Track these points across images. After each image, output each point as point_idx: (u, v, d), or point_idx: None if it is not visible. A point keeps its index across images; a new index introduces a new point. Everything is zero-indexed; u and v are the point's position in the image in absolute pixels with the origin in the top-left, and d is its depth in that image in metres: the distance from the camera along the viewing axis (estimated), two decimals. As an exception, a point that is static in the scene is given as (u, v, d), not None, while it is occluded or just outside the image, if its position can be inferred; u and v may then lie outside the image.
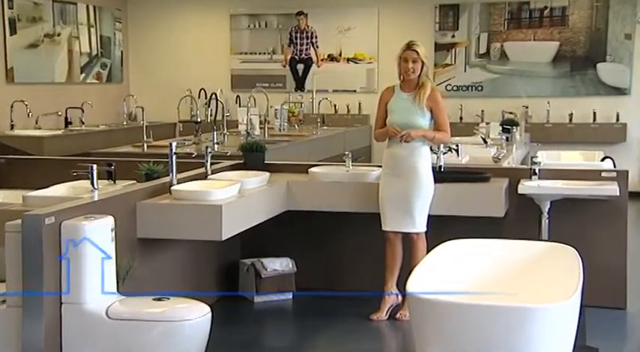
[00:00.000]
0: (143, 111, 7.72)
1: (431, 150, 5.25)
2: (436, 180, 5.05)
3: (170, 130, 9.31)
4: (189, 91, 10.07)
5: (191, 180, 4.87)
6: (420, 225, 5.01)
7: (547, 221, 5.28)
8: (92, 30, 10.29)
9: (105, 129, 9.55)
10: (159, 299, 3.71)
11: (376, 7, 10.67)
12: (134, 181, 4.80)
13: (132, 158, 5.84)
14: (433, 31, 10.50)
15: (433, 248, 4.11)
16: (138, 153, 6.61)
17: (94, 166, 4.41)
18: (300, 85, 11.00)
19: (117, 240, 3.87)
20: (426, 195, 4.98)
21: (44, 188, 4.52)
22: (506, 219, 5.32)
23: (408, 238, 5.06)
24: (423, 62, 4.93)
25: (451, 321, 3.17)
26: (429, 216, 5.04)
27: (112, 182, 4.74)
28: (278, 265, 5.50)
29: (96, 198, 4.13)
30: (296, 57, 11.01)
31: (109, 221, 3.81)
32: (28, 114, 8.64)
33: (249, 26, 11.10)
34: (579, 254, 3.90)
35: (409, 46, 4.93)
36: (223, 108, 7.81)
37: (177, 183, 4.67)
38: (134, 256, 4.22)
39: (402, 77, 5.01)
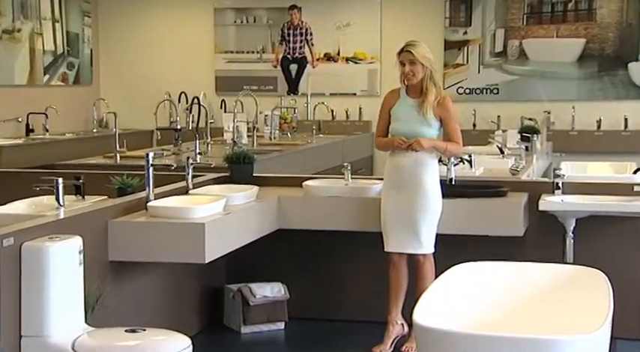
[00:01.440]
0: (116, 117, 7.73)
1: (440, 161, 5.26)
2: (446, 195, 5.07)
3: (146, 139, 9.29)
4: (168, 95, 10.06)
5: (170, 196, 4.88)
6: (426, 246, 5.02)
7: (572, 241, 5.29)
8: (57, 25, 10.31)
9: (72, 137, 9.54)
10: (133, 331, 3.70)
11: (378, 0, 10.72)
12: (105, 197, 4.79)
13: (103, 170, 5.83)
14: (443, 27, 10.54)
15: (442, 271, 4.11)
16: (110, 165, 6.62)
17: (60, 180, 4.40)
18: (293, 88, 11.02)
19: (85, 264, 3.87)
20: (433, 211, 4.99)
21: (2, 205, 4.52)
22: (525, 239, 5.33)
23: (413, 260, 5.07)
24: (422, 64, 4.94)
25: (464, 355, 3.16)
26: (438, 236, 5.05)
27: (81, 198, 4.74)
28: (268, 291, 5.49)
29: (62, 216, 4.13)
30: (288, 56, 11.04)
31: (76, 242, 3.81)
32: (-16, 121, 8.65)
33: (235, 22, 11.13)
34: (609, 279, 3.90)
35: (403, 47, 4.96)
36: (206, 113, 7.81)
37: (155, 199, 4.67)
38: (105, 282, 4.22)
39: (404, 81, 5.04)
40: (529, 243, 5.38)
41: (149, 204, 4.57)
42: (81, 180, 4.77)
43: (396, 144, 4.96)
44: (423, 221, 4.97)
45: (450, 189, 5.24)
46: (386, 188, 5.08)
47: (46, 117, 9.55)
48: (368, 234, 5.26)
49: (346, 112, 10.84)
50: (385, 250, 5.07)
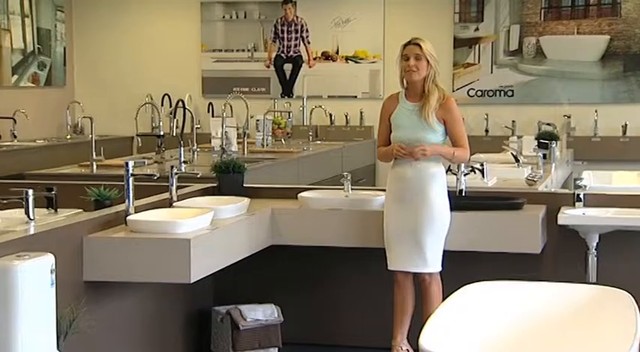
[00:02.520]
0: (92, 122, 7.73)
1: (449, 170, 5.27)
2: (455, 207, 5.08)
3: (126, 146, 9.33)
4: (150, 98, 10.10)
5: (152, 209, 4.87)
6: (433, 264, 5.02)
7: (595, 258, 5.29)
8: (27, 21, 10.32)
9: (44, 144, 9.55)
10: (110, 358, 3.70)
11: (382, -7, 10.76)
12: (80, 210, 4.79)
13: (78, 181, 5.83)
14: (452, 22, 10.57)
15: (451, 292, 4.11)
16: (85, 175, 6.62)
17: (30, 191, 4.40)
18: (287, 90, 11.04)
19: (58, 284, 3.86)
20: (439, 225, 5.00)
21: (-33, 219, 4.52)
22: (543, 256, 5.34)
23: (419, 280, 5.08)
24: (428, 61, 4.97)
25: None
26: (446, 253, 5.05)
27: (53, 211, 4.74)
28: (260, 314, 5.49)
29: (32, 232, 4.12)
30: (282, 55, 11.06)
31: (47, 260, 3.80)
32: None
33: (224, 17, 11.16)
34: (635, 300, 3.90)
35: (411, 41, 5.01)
36: (192, 118, 7.83)
37: (135, 212, 4.67)
38: (80, 304, 4.21)
39: (404, 82, 5.06)
40: (547, 260, 5.38)
41: (129, 218, 4.57)
42: (53, 192, 4.77)
43: (395, 151, 4.98)
44: (428, 236, 4.98)
45: (460, 202, 5.26)
46: (389, 201, 5.10)
47: (14, 122, 9.55)
48: (370, 250, 5.26)
49: (346, 117, 10.86)
50: (388, 268, 5.08)
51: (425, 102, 4.99)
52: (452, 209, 5.05)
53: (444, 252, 5.05)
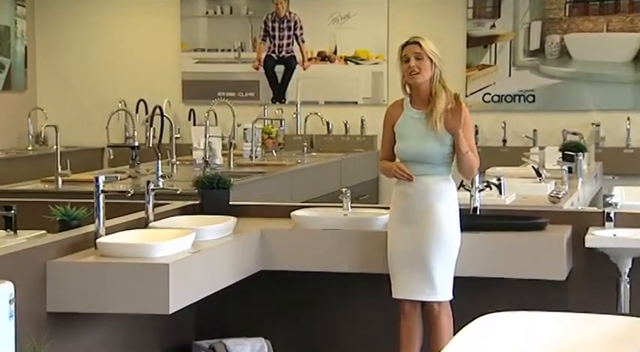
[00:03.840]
0: (57, 131, 7.72)
1: (462, 186, 5.27)
2: (469, 228, 5.08)
3: (95, 159, 9.32)
4: (123, 104, 10.11)
5: (125, 230, 4.87)
6: (442, 292, 5.02)
7: (627, 286, 5.29)
8: (-17, 17, 10.34)
9: (1, 156, 9.54)
10: (77, 400, 3.70)
11: (385, -15, 10.80)
12: (44, 231, 4.79)
13: (41, 198, 5.83)
14: (465, 19, 10.59)
15: (463, 324, 4.11)
16: (49, 192, 6.61)
17: (-14, 210, 4.41)
18: (279, 95, 11.06)
19: (18, 316, 3.86)
20: (449, 249, 5.00)
21: None
22: (569, 282, 5.33)
23: (427, 310, 5.08)
24: (431, 60, 4.98)
25: None
26: (457, 279, 5.05)
27: (12, 232, 4.74)
28: (248, 348, 5.49)
29: (-12, 256, 4.12)
30: (273, 55, 11.09)
31: (6, 289, 3.80)
32: None
33: (207, 12, 11.19)
34: (672, 333, 3.91)
35: (409, 40, 5.02)
36: (171, 127, 7.83)
37: (106, 234, 4.66)
38: (43, 338, 4.20)
39: (405, 87, 5.07)
40: (574, 288, 5.38)
41: (99, 240, 4.56)
42: (12, 211, 4.76)
43: (393, 172, 4.99)
44: (437, 261, 4.97)
45: (474, 221, 5.26)
46: (393, 220, 5.10)
47: (-31, 131, 9.56)
48: (372, 276, 5.26)
49: (345, 125, 10.87)
50: (393, 296, 5.08)
51: (432, 108, 4.99)
52: (464, 229, 5.05)
53: (455, 278, 5.05)
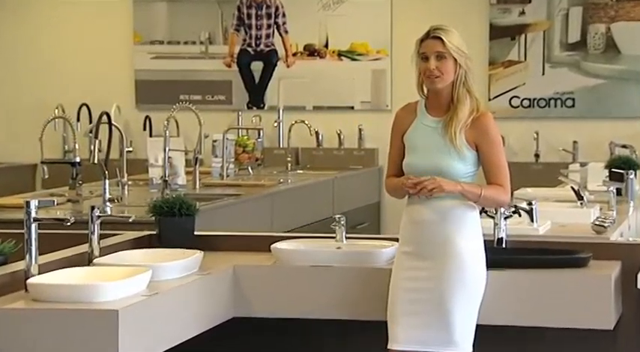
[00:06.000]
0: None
1: (484, 212, 5.25)
2: (493, 264, 5.06)
3: (26, 178, 9.29)
4: (61, 110, 10.09)
5: (64, 267, 4.86)
6: (462, 343, 4.99)
7: (691, 336, 5.29)
8: None
9: None
10: None
11: (388, -36, 10.83)
12: (-38, 269, 4.76)
13: (-41, 228, 5.82)
14: (487, 4, 10.61)
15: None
16: (-31, 219, 6.59)
17: None
18: (256, 99, 11.06)
19: None
20: (472, 291, 4.98)
21: None
22: (617, 332, 5.31)
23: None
24: (455, 60, 4.94)
25: None
26: (479, 328, 5.02)
27: None
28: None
29: None
30: (249, 49, 11.10)
31: None
32: None
33: (167, -3, 11.21)
34: None
35: (429, 33, 4.97)
36: (122, 138, 7.81)
37: (39, 273, 4.64)
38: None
39: (422, 87, 5.04)
40: (623, 339, 5.37)
41: (30, 281, 4.54)
42: None
43: (402, 185, 4.95)
44: (457, 306, 4.94)
45: (500, 256, 5.26)
46: (400, 254, 5.08)
47: None
48: (372, 324, 5.23)
49: (339, 135, 10.89)
50: (388, 347, 5.03)
51: (452, 116, 4.96)
52: (488, 266, 5.03)
53: (477, 326, 5.02)
